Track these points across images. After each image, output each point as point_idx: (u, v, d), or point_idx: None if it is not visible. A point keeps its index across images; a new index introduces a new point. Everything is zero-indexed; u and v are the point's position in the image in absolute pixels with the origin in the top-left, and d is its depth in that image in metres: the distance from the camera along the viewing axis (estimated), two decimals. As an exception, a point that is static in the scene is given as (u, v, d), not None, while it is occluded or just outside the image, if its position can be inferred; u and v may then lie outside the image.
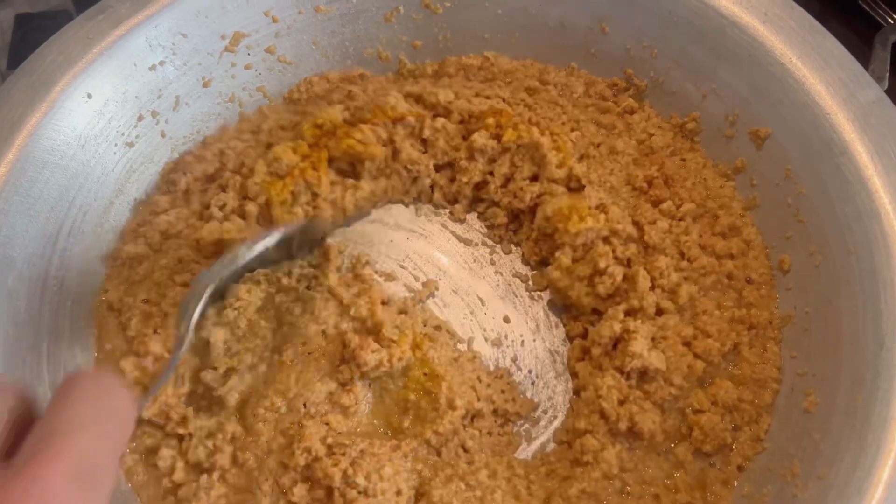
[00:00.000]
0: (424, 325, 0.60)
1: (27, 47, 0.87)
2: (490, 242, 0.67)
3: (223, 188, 0.63)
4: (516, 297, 0.64)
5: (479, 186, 0.66)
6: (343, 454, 0.51)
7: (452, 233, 0.67)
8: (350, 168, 0.65)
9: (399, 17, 0.72)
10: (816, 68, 0.59)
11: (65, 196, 0.59)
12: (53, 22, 0.88)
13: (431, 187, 0.67)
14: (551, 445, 0.58)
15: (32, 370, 0.54)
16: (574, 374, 0.60)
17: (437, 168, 0.67)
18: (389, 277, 0.64)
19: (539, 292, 0.64)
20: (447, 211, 0.68)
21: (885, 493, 0.46)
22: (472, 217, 0.68)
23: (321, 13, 0.70)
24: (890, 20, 0.84)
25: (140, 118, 0.64)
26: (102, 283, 0.61)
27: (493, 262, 0.66)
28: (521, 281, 0.65)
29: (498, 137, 0.64)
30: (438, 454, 0.55)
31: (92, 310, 0.60)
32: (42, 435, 0.31)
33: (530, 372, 0.61)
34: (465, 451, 0.56)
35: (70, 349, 0.57)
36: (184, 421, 0.53)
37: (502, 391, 0.59)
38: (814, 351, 0.55)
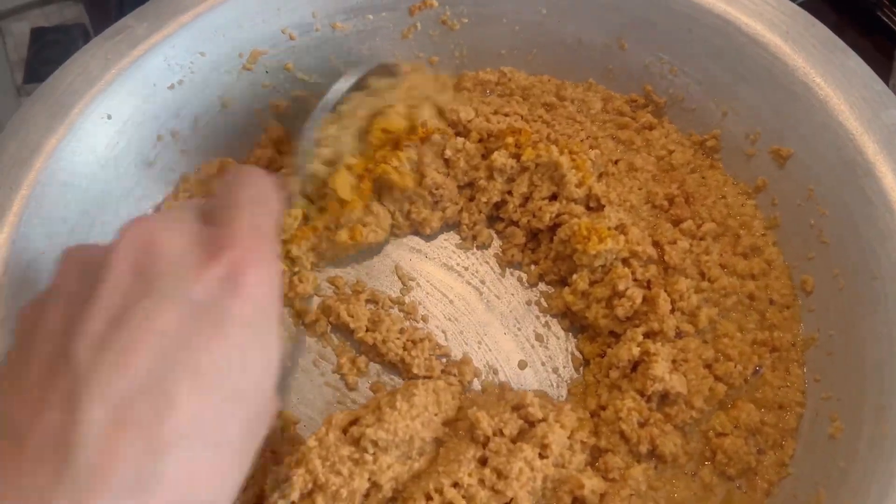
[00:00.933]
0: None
1: (42, 61, 0.87)
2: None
3: None
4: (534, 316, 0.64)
5: (498, 206, 0.66)
6: None
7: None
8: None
9: (416, 33, 0.71)
10: (839, 88, 0.59)
11: (85, 218, 0.59)
12: (68, 35, 0.88)
13: (459, 211, 0.67)
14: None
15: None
16: (595, 394, 0.60)
17: (458, 189, 0.66)
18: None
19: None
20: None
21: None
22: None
23: (338, 30, 0.70)
24: (911, 32, 0.83)
25: (160, 138, 0.64)
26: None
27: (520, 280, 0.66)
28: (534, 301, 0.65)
29: (517, 156, 0.64)
30: None
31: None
32: (222, 209, 0.40)
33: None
34: None
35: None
36: None
37: None
38: (838, 375, 0.55)
